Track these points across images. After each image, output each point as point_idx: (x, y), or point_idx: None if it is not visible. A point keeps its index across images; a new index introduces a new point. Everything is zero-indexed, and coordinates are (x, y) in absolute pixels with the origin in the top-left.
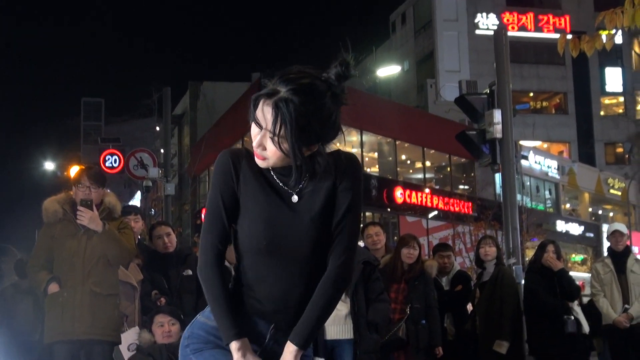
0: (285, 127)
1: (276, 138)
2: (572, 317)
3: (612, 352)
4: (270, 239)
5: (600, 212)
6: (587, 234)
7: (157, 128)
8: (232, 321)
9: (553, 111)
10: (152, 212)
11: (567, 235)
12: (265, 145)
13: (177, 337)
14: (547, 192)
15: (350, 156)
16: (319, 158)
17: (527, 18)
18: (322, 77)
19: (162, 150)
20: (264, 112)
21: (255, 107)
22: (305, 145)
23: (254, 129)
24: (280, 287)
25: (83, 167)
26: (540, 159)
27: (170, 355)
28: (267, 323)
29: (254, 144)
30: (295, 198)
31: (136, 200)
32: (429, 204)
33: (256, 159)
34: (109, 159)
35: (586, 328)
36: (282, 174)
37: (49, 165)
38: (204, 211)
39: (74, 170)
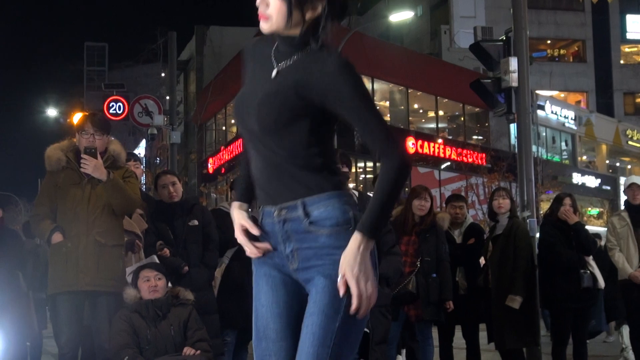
0: None
1: (280, 1)
2: (589, 272)
3: (627, 309)
4: (236, 115)
5: (617, 164)
6: (604, 187)
7: (163, 74)
8: (239, 190)
9: (571, 59)
10: (158, 161)
11: (583, 188)
12: (268, 2)
13: (163, 291)
14: (563, 144)
15: (337, 59)
16: (321, 34)
17: None
18: None
19: (167, 97)
20: None
21: None
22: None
23: None
24: (256, 167)
25: (86, 114)
26: (557, 109)
27: (156, 311)
28: (269, 207)
29: (257, 1)
30: (274, 73)
31: (141, 149)
32: (442, 155)
33: (260, 22)
34: (112, 105)
35: (601, 283)
36: (281, 51)
37: (52, 112)
38: (210, 161)
39: (77, 117)
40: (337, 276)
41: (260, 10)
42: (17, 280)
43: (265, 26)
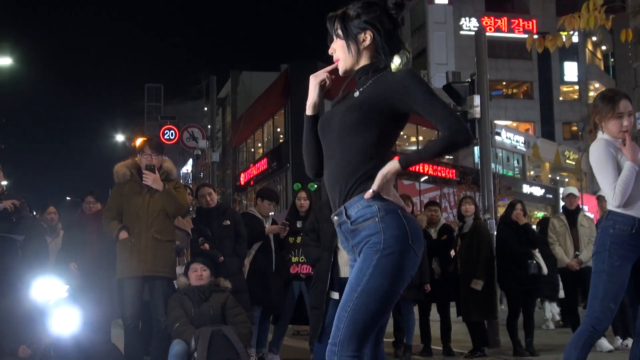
0: (346, 29)
1: (340, 40)
2: (535, 262)
3: (565, 290)
4: (320, 129)
5: (557, 178)
6: (547, 196)
7: (205, 108)
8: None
9: (521, 97)
10: (202, 175)
11: (531, 196)
12: (336, 49)
13: (207, 280)
14: (515, 162)
15: (404, 69)
16: (380, 65)
17: (502, 21)
18: (379, 0)
19: (209, 126)
20: (334, 24)
21: (329, 24)
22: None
23: (332, 43)
24: (326, 167)
25: (146, 139)
26: (510, 135)
27: (200, 294)
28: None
29: (330, 51)
30: (357, 94)
31: (188, 166)
32: (421, 170)
33: (339, 68)
34: (166, 132)
35: (545, 270)
36: (359, 81)
37: (119, 137)
38: (242, 175)
39: (139, 141)
40: (369, 255)
41: (335, 58)
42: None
43: (340, 69)
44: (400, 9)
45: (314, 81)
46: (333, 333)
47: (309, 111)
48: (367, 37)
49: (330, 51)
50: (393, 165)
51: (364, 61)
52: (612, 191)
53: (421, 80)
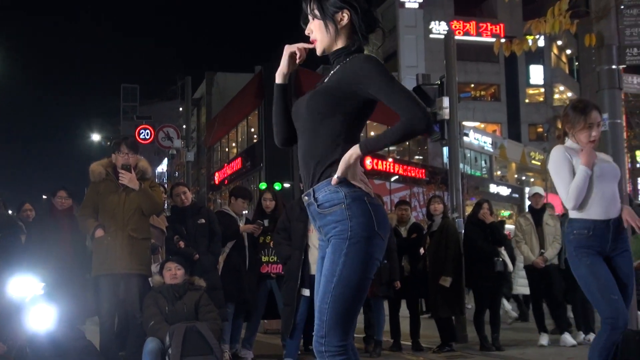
0: (322, 8)
1: (318, 20)
2: (500, 259)
3: (530, 286)
4: (293, 112)
5: (523, 178)
6: (513, 195)
7: (180, 108)
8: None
9: (489, 99)
10: (177, 175)
11: (497, 195)
12: (313, 29)
13: (181, 279)
14: (483, 162)
15: (364, 55)
16: (352, 47)
17: (470, 25)
18: None
19: (184, 126)
20: (310, 4)
21: (305, 5)
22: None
23: (309, 24)
24: (298, 151)
25: (121, 139)
26: (478, 136)
27: (174, 293)
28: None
29: (307, 31)
30: (325, 80)
31: (163, 165)
32: (392, 170)
33: (316, 49)
34: (142, 132)
35: (510, 267)
36: (331, 66)
37: (95, 137)
38: (216, 175)
39: (114, 141)
40: (338, 244)
41: (311, 39)
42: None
43: (317, 49)
44: None
45: (286, 51)
46: (317, 327)
47: (278, 79)
48: (344, 17)
49: (307, 32)
50: (354, 150)
51: (341, 42)
52: (566, 194)
53: (380, 66)
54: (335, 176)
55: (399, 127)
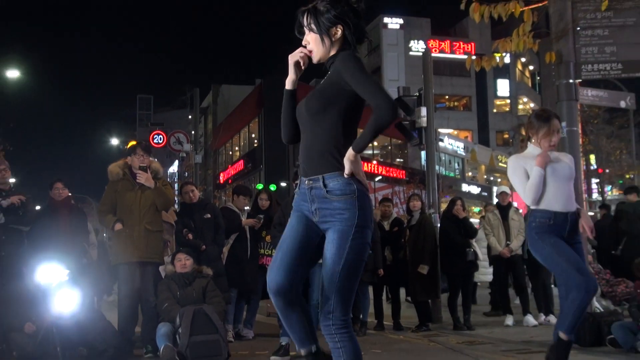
0: (318, 23)
1: (314, 33)
2: (472, 250)
3: (496, 275)
4: (297, 111)
5: (492, 178)
6: (483, 193)
7: (189, 116)
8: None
9: (461, 109)
10: (186, 175)
11: (469, 194)
12: (309, 41)
13: (190, 267)
14: (456, 164)
15: (342, 54)
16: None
17: (445, 44)
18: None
19: (192, 132)
20: (306, 18)
21: (301, 18)
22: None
23: (305, 35)
24: (301, 143)
25: (137, 142)
26: (452, 142)
27: (184, 280)
28: (303, 177)
29: (304, 42)
30: (321, 82)
31: (174, 167)
32: (376, 171)
33: (312, 58)
34: (156, 137)
35: (480, 257)
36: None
37: (114, 141)
38: (221, 175)
39: (131, 145)
40: (345, 231)
41: (308, 49)
42: (87, 252)
43: (314, 59)
44: (361, 1)
45: (291, 60)
46: (324, 303)
47: (287, 86)
48: (338, 31)
49: (303, 42)
50: (350, 151)
51: (334, 51)
52: (524, 193)
53: (356, 60)
54: (345, 173)
55: (370, 121)
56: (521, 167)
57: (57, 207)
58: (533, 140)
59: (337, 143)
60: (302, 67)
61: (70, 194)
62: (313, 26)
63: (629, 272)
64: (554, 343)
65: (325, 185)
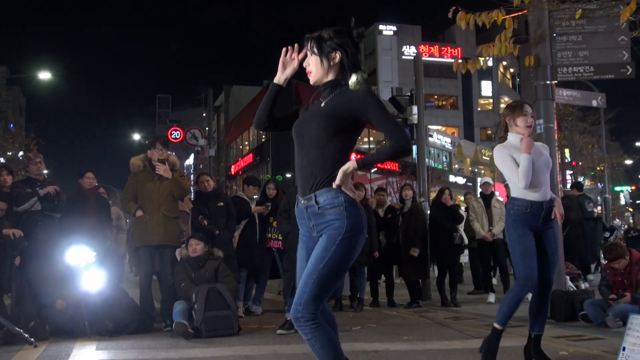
0: (320, 48)
1: (315, 56)
2: (458, 234)
3: (478, 256)
4: (295, 129)
5: (476, 170)
6: (468, 184)
7: (204, 114)
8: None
9: (449, 107)
10: (201, 167)
11: (455, 184)
12: (310, 63)
13: (201, 251)
14: (444, 157)
15: (365, 88)
16: (342, 82)
17: (434, 49)
18: (347, 30)
19: (207, 128)
20: (310, 43)
21: (306, 43)
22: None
23: (307, 58)
24: (299, 162)
25: (156, 137)
26: (440, 137)
27: (197, 262)
28: (300, 197)
29: (305, 64)
30: (323, 104)
31: (190, 160)
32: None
33: (309, 78)
34: (173, 133)
35: (466, 241)
36: (324, 92)
37: (136, 136)
38: (232, 167)
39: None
40: (333, 236)
41: (308, 70)
42: (108, 237)
43: (311, 79)
44: (362, 38)
45: (280, 64)
46: (298, 295)
47: (280, 81)
48: (336, 56)
49: (305, 64)
50: (351, 164)
51: (331, 75)
52: (517, 178)
53: (378, 99)
54: (335, 184)
55: (390, 149)
56: (508, 155)
57: (86, 194)
58: (510, 127)
59: (337, 169)
60: (295, 64)
61: (97, 184)
62: (315, 49)
63: (569, 254)
64: (489, 334)
65: (317, 202)
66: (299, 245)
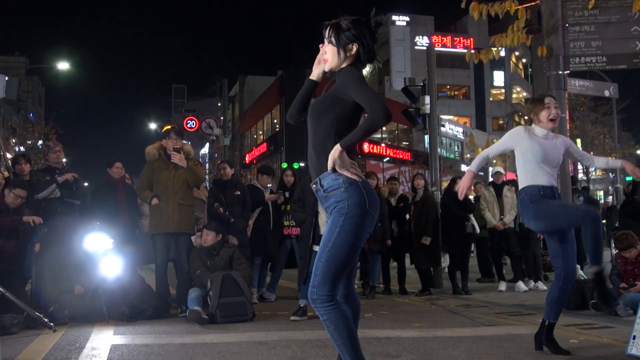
0: (338, 38)
1: (332, 46)
2: (470, 223)
3: (491, 244)
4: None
5: None
6: (480, 173)
7: (219, 104)
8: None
9: (461, 97)
10: (216, 156)
11: None
12: (326, 51)
13: (212, 241)
14: (456, 147)
15: (346, 67)
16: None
17: (447, 39)
18: (365, 20)
19: (222, 118)
20: (328, 31)
21: (324, 30)
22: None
23: (324, 46)
24: (309, 143)
25: (170, 127)
26: (452, 127)
27: (211, 251)
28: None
29: (321, 51)
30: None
31: (205, 149)
32: (384, 153)
33: (325, 66)
34: (189, 122)
35: (477, 230)
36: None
37: (152, 126)
38: (247, 156)
39: (165, 129)
40: (336, 218)
41: (324, 58)
42: (136, 222)
43: (326, 67)
44: (379, 27)
45: (316, 60)
46: (312, 278)
47: (315, 77)
48: (353, 48)
49: (321, 51)
50: (336, 147)
51: (345, 64)
52: (491, 153)
53: (357, 75)
54: (329, 169)
55: (364, 121)
56: (512, 140)
57: (115, 183)
58: (535, 121)
59: (330, 146)
60: (322, 65)
61: (125, 174)
62: (333, 39)
63: None
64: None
65: (322, 186)
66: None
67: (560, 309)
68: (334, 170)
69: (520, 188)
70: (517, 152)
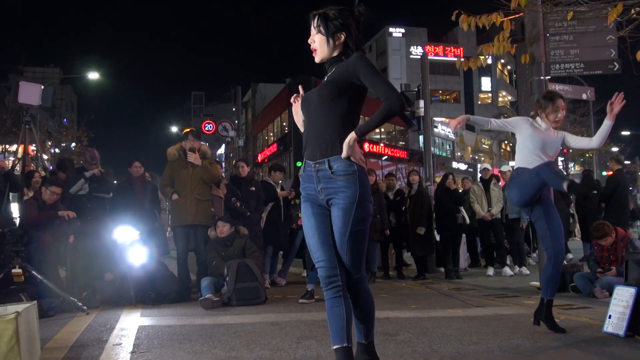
0: (327, 27)
1: (321, 35)
2: (461, 215)
3: (480, 234)
4: (302, 103)
5: (476, 157)
6: (469, 170)
7: (234, 109)
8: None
9: (452, 101)
10: (231, 156)
11: (458, 170)
12: (315, 41)
13: (227, 232)
14: (447, 146)
15: (357, 54)
16: (343, 57)
17: (439, 48)
18: (350, 10)
19: (236, 121)
20: (316, 21)
21: (312, 20)
22: (335, 40)
23: (312, 35)
24: (308, 129)
25: (189, 129)
26: (444, 128)
27: (226, 242)
28: (310, 160)
29: (310, 41)
30: (326, 78)
31: (222, 149)
32: (382, 152)
33: (315, 57)
34: (207, 125)
35: (467, 221)
36: (329, 68)
37: (173, 129)
38: (259, 155)
39: (184, 131)
40: (348, 207)
41: (312, 48)
42: (155, 216)
43: (317, 58)
44: (363, 15)
45: (293, 109)
46: (346, 269)
47: (301, 125)
48: (341, 37)
49: (309, 40)
50: (351, 135)
51: (335, 53)
52: (491, 128)
53: (368, 62)
54: (343, 156)
55: (381, 110)
56: (517, 124)
57: (135, 180)
58: (541, 117)
59: (346, 130)
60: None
61: (144, 172)
62: (322, 29)
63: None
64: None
65: (330, 167)
66: (303, 212)
67: (555, 287)
68: (346, 157)
69: (514, 168)
70: (518, 136)
